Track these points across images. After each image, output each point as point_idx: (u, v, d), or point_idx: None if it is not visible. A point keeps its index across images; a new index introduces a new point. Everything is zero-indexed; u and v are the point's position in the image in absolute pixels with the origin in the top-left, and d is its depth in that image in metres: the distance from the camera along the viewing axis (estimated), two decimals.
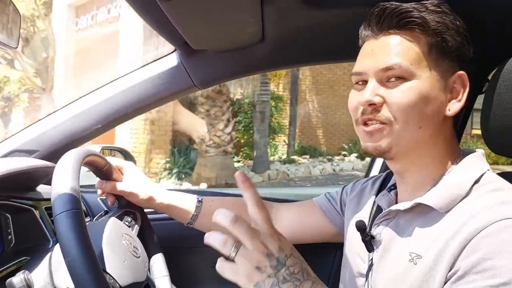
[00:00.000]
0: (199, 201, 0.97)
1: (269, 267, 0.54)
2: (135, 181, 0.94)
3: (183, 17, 0.76)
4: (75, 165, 0.69)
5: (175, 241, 1.21)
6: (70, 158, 0.71)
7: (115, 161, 0.97)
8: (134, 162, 1.40)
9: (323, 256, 1.27)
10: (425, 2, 0.69)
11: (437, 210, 0.65)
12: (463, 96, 0.69)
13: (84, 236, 0.61)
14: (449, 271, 0.59)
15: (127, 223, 0.93)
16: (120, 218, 0.93)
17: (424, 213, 0.68)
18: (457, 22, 0.69)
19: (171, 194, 0.97)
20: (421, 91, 0.66)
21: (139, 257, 0.82)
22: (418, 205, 0.68)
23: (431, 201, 0.66)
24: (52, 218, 0.96)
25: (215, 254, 1.31)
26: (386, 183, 0.86)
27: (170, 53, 1.08)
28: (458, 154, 0.73)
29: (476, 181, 0.65)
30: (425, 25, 0.66)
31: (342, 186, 1.00)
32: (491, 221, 0.57)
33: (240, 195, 0.95)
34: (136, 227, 0.96)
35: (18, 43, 0.60)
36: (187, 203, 0.98)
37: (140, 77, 1.08)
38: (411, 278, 0.64)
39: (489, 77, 0.95)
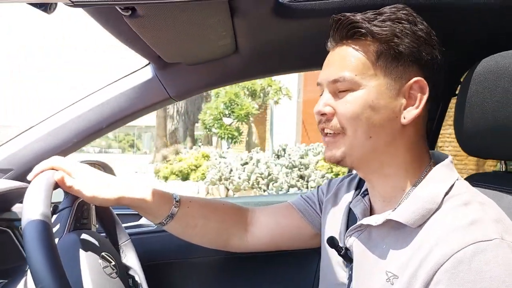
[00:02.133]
0: (177, 201, 0.86)
1: None
2: (91, 180, 0.80)
3: (152, 33, 0.75)
4: (46, 189, 0.68)
5: (162, 254, 1.18)
6: (41, 183, 0.69)
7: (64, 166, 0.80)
8: (114, 175, 1.38)
9: (305, 262, 1.27)
10: (381, 9, 0.69)
11: (408, 226, 0.65)
12: (421, 103, 0.68)
13: (56, 263, 0.59)
14: None
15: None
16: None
17: (396, 229, 0.68)
18: (416, 27, 0.67)
19: (145, 189, 0.85)
20: (366, 100, 0.67)
21: (117, 277, 0.81)
22: (389, 220, 0.68)
23: (402, 217, 0.66)
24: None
25: (202, 267, 1.30)
26: (362, 182, 0.85)
27: (144, 66, 1.07)
28: (428, 162, 0.72)
29: (447, 193, 0.65)
30: (371, 34, 0.67)
31: (317, 187, 0.98)
32: (461, 246, 0.58)
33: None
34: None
35: None
36: (162, 200, 0.86)
37: (115, 91, 1.07)
38: None
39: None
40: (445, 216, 0.63)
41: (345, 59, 0.69)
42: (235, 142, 11.69)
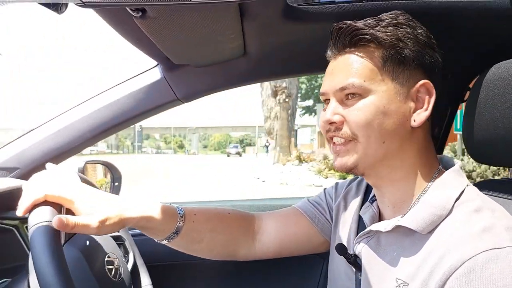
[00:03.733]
0: (181, 216, 0.80)
1: None
2: (93, 206, 0.69)
3: (162, 35, 0.75)
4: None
5: (165, 256, 1.18)
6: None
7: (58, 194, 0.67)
8: (119, 175, 1.38)
9: (310, 268, 1.26)
10: (381, 16, 0.69)
11: (418, 232, 0.65)
12: (429, 105, 0.68)
13: (63, 268, 0.57)
14: None
15: None
16: None
17: (406, 235, 0.67)
18: (417, 31, 0.68)
19: (145, 205, 0.77)
20: (378, 106, 0.67)
21: (121, 278, 0.81)
22: (398, 226, 0.67)
23: (412, 223, 0.65)
24: None
25: (205, 270, 1.29)
26: (370, 187, 0.83)
27: (152, 68, 1.07)
28: (436, 167, 0.72)
29: (457, 199, 0.65)
30: (376, 40, 0.67)
31: (322, 191, 0.95)
32: (473, 253, 0.57)
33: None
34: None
35: None
36: (167, 215, 0.78)
37: (122, 92, 1.07)
38: None
39: (471, 86, 0.97)
40: (456, 223, 0.62)
41: (351, 66, 0.68)
42: None
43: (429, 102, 0.68)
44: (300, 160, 16.16)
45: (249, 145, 63.49)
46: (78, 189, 0.68)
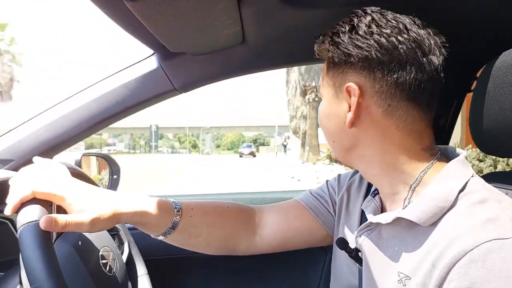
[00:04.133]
0: (178, 211, 0.78)
1: None
2: (85, 203, 0.66)
3: (155, 19, 0.72)
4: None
5: (163, 249, 1.16)
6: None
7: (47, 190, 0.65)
8: (118, 169, 1.36)
9: (312, 261, 1.25)
10: (335, 23, 0.70)
11: (420, 224, 0.63)
12: (352, 106, 0.67)
13: (52, 262, 0.55)
14: None
15: None
16: None
17: (407, 227, 0.66)
18: (353, 35, 0.66)
19: (140, 200, 0.75)
20: (323, 108, 0.74)
21: (116, 273, 0.79)
22: (398, 218, 0.66)
23: (414, 215, 0.63)
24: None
25: (204, 263, 1.27)
26: None
27: (148, 56, 1.04)
28: (429, 159, 0.69)
29: (461, 190, 0.63)
30: (320, 51, 0.73)
31: (324, 182, 0.94)
32: (476, 243, 0.55)
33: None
34: None
35: None
36: (162, 210, 0.76)
37: (118, 82, 1.04)
38: None
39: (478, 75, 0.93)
40: (459, 215, 0.61)
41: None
42: None
43: (351, 104, 0.67)
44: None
45: (263, 144, 63.75)
46: (69, 184, 0.66)
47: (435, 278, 0.57)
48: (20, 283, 0.71)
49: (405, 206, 0.67)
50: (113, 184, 1.33)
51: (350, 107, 0.68)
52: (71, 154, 1.27)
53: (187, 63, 1.02)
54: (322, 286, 1.23)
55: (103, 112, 1.05)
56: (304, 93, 18.38)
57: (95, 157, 1.29)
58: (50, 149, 1.07)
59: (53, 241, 0.72)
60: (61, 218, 0.61)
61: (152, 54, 1.03)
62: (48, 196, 0.63)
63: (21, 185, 0.63)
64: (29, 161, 1.06)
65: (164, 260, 1.20)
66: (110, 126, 1.12)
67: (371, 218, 0.72)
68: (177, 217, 0.78)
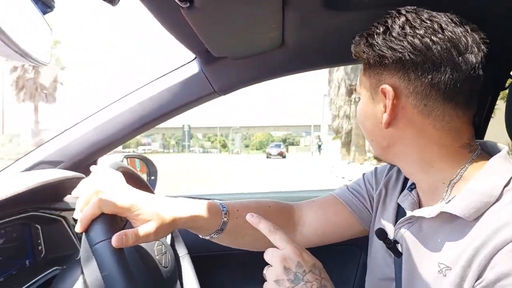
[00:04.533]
0: (225, 214, 0.81)
1: (286, 281, 0.60)
2: (148, 213, 0.69)
3: (206, 26, 0.76)
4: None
5: (203, 247, 1.19)
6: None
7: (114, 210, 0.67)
8: (156, 170, 1.41)
9: (348, 258, 1.26)
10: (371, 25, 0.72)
11: (463, 218, 0.64)
12: (387, 108, 0.69)
13: (131, 277, 0.60)
14: (476, 280, 0.59)
15: None
16: None
17: (449, 221, 0.67)
18: (388, 36, 0.67)
19: (191, 205, 0.78)
20: (361, 108, 0.76)
21: (169, 267, 0.83)
22: (442, 212, 0.67)
23: (458, 210, 0.64)
24: None
25: (234, 259, 1.29)
26: None
27: (190, 61, 1.09)
28: (467, 155, 0.70)
29: (506, 185, 0.64)
30: (355, 52, 0.75)
31: (361, 177, 0.95)
32: None
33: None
34: None
35: (50, 58, 0.61)
36: (212, 213, 0.79)
37: (161, 86, 1.09)
38: None
39: None
40: (504, 208, 0.61)
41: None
42: None
43: (386, 105, 0.69)
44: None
45: (292, 144, 63.49)
46: (132, 196, 0.69)
47: (476, 267, 0.59)
48: (82, 273, 0.76)
49: (448, 201, 0.68)
50: (150, 185, 1.37)
51: (385, 108, 0.69)
52: (112, 156, 1.32)
53: (227, 67, 1.06)
54: (357, 282, 1.25)
55: (147, 115, 1.10)
56: (350, 92, 18.17)
57: (135, 158, 1.34)
58: (97, 151, 1.12)
59: None
60: (130, 233, 0.64)
61: (194, 59, 1.08)
62: (115, 211, 0.66)
63: (89, 203, 0.65)
64: (77, 162, 1.12)
65: (203, 257, 1.23)
66: None
67: (413, 212, 0.73)
68: (225, 219, 0.81)
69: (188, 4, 0.67)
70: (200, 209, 0.78)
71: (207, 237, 0.82)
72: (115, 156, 1.27)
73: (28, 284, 0.80)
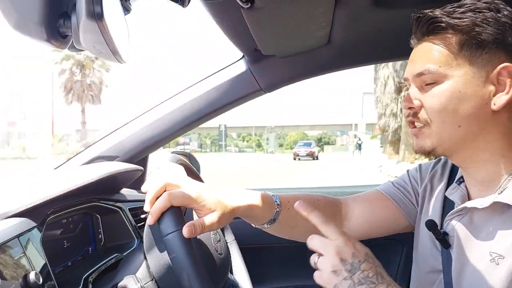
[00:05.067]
0: (278, 204, 0.84)
1: (344, 270, 0.61)
2: (210, 203, 0.73)
3: (262, 25, 0.79)
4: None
5: (249, 239, 1.23)
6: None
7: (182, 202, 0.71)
8: (198, 166, 1.46)
9: (390, 253, 1.27)
10: (462, 1, 0.70)
11: None
12: (511, 88, 0.66)
13: (201, 269, 0.65)
14: None
15: None
16: None
17: (501, 212, 0.67)
18: (498, 14, 0.67)
19: (245, 195, 0.81)
20: (453, 91, 0.69)
21: (224, 254, 0.87)
22: (495, 203, 0.67)
23: (511, 200, 0.65)
24: (136, 218, 1.05)
25: (278, 252, 1.31)
26: (456, 168, 0.84)
27: (238, 60, 1.13)
28: None
29: None
30: (451, 27, 0.68)
31: (406, 173, 0.95)
32: None
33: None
34: None
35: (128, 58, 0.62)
36: (265, 204, 0.82)
37: (210, 85, 1.14)
38: (495, 278, 0.64)
39: None
40: None
41: (429, 53, 0.71)
42: None
43: (511, 85, 0.67)
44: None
45: (328, 143, 62.91)
46: (197, 188, 0.73)
47: None
48: (145, 258, 0.81)
49: (501, 192, 0.68)
50: None
51: (499, 89, 0.67)
52: (161, 152, 1.39)
53: (273, 65, 1.09)
54: (399, 276, 1.25)
55: (196, 113, 1.15)
56: (399, 90, 17.65)
57: (181, 155, 1.39)
58: (148, 147, 1.19)
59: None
60: (197, 223, 0.68)
61: (241, 58, 1.12)
62: (183, 203, 0.70)
63: (160, 196, 0.69)
64: (131, 157, 1.19)
65: (248, 249, 1.27)
66: None
67: (465, 203, 0.73)
68: (278, 209, 0.84)
69: (249, 5, 0.70)
70: (256, 199, 0.81)
71: (260, 227, 0.85)
72: (164, 152, 1.33)
73: (94, 268, 0.86)
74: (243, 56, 1.10)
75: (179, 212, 0.69)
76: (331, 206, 0.92)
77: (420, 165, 0.93)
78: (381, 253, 1.27)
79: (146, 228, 0.79)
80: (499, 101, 0.67)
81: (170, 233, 0.66)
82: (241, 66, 1.12)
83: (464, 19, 0.67)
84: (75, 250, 0.90)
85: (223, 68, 1.14)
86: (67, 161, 1.19)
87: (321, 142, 61.55)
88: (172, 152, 1.36)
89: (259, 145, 64.46)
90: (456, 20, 0.68)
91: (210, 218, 0.71)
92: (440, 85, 0.69)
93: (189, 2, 0.59)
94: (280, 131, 65.64)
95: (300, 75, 1.12)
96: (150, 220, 0.68)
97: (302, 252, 1.28)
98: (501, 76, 0.67)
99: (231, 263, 0.99)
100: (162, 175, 0.73)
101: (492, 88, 0.67)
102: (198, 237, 0.84)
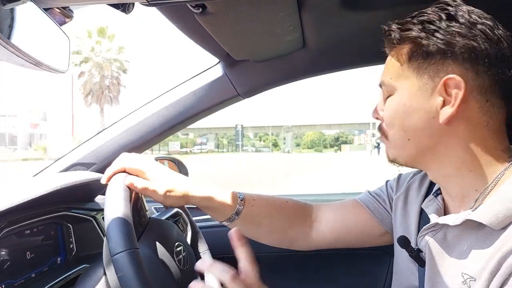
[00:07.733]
0: (241, 200, 0.85)
1: None
2: (163, 179, 0.79)
3: (221, 30, 0.77)
4: (124, 190, 0.71)
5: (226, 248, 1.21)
6: (117, 187, 0.72)
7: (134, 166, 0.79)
8: (186, 171, 1.44)
9: (377, 264, 1.23)
10: (417, 12, 0.66)
11: (490, 227, 0.60)
12: (456, 101, 0.61)
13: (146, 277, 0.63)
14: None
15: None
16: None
17: (475, 230, 0.63)
18: (450, 24, 0.62)
19: (209, 187, 0.84)
20: (399, 104, 0.67)
21: (187, 267, 0.84)
22: (468, 220, 0.63)
23: (485, 218, 0.60)
24: None
25: (271, 262, 1.29)
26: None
27: (214, 65, 1.10)
28: (506, 159, 0.65)
29: None
30: (403, 39, 0.66)
31: (384, 183, 0.93)
32: None
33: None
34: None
35: (68, 66, 0.63)
36: (228, 198, 0.85)
37: (187, 90, 1.12)
38: None
39: None
40: None
41: (387, 65, 0.71)
42: None
43: (454, 98, 0.62)
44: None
45: (345, 143, 62.75)
46: (152, 164, 0.80)
47: (500, 275, 0.56)
48: (104, 273, 0.79)
49: (475, 208, 0.64)
50: None
51: (444, 101, 0.63)
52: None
53: (250, 70, 1.06)
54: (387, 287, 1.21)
55: (174, 118, 1.13)
56: None
57: (164, 160, 1.37)
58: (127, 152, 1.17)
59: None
60: (141, 181, 0.75)
61: (217, 63, 1.09)
62: (134, 171, 0.77)
63: (116, 163, 0.79)
64: (108, 164, 1.17)
65: (230, 258, 1.24)
66: (196, 126, 1.21)
67: (437, 219, 0.70)
68: (241, 206, 0.85)
69: (200, 10, 0.68)
70: (218, 192, 0.84)
71: (225, 223, 0.87)
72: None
73: (57, 280, 0.84)
74: (219, 61, 1.07)
75: (131, 231, 0.66)
76: (300, 208, 0.93)
77: (399, 175, 0.91)
78: (368, 265, 1.24)
79: (105, 240, 0.77)
80: (443, 114, 0.63)
81: (118, 253, 0.64)
82: (218, 71, 1.09)
83: (412, 31, 0.64)
84: (40, 261, 0.88)
85: (200, 73, 1.12)
86: (45, 168, 1.18)
87: (339, 142, 61.19)
88: (155, 158, 1.35)
89: (275, 145, 64.58)
90: (406, 32, 0.65)
91: (156, 186, 0.76)
92: (392, 97, 0.69)
93: (132, 8, 0.58)
94: (297, 131, 65.44)
95: (277, 79, 1.09)
96: (103, 179, 0.77)
97: (281, 262, 1.26)
98: (449, 88, 0.63)
99: (202, 274, 0.97)
100: (124, 154, 0.81)
101: (439, 100, 0.63)
102: (157, 252, 0.82)
